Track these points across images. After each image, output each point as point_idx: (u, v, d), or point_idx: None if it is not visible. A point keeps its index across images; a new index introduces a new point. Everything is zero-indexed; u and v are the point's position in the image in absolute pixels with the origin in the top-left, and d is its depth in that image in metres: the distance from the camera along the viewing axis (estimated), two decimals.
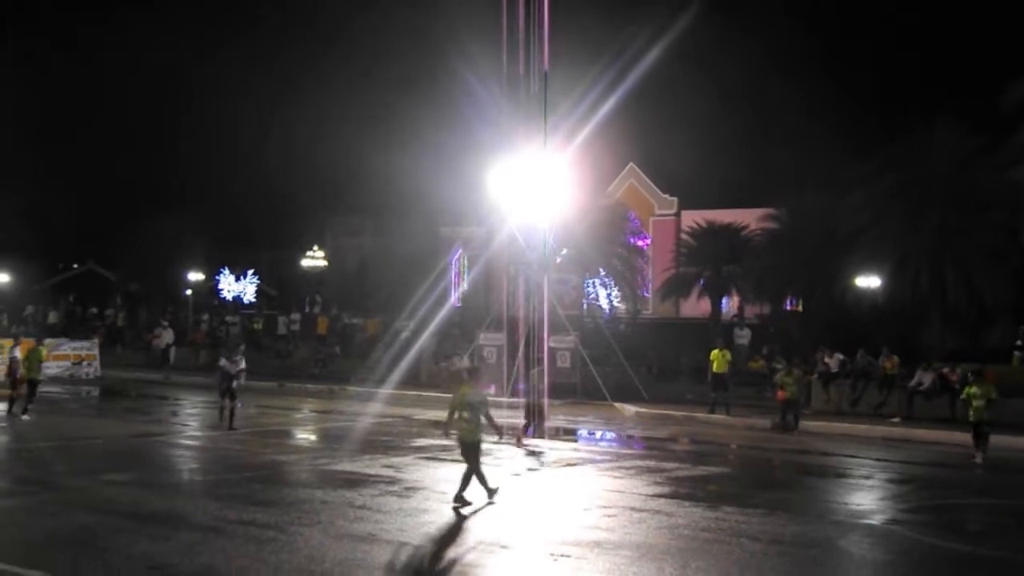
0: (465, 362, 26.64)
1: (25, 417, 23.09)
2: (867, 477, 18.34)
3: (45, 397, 29.76)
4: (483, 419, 14.17)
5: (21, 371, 23.58)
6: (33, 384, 23.83)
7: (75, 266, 65.82)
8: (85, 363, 36.50)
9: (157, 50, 79.20)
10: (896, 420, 26.32)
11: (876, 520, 14.09)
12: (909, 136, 32.90)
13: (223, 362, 22.32)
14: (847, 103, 55.31)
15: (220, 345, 42.19)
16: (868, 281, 32.66)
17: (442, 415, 25.26)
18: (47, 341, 36.84)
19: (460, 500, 13.75)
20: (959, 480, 18.51)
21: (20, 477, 15.62)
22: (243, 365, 22.21)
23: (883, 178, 32.61)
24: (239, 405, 22.05)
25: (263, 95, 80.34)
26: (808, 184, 37.83)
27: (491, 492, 14.02)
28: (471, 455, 14.05)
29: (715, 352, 27.61)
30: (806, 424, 25.31)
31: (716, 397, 27.11)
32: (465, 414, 14.02)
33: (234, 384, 21.79)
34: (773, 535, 12.49)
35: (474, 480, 13.92)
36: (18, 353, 24.38)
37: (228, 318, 46.54)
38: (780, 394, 24.74)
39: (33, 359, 23.97)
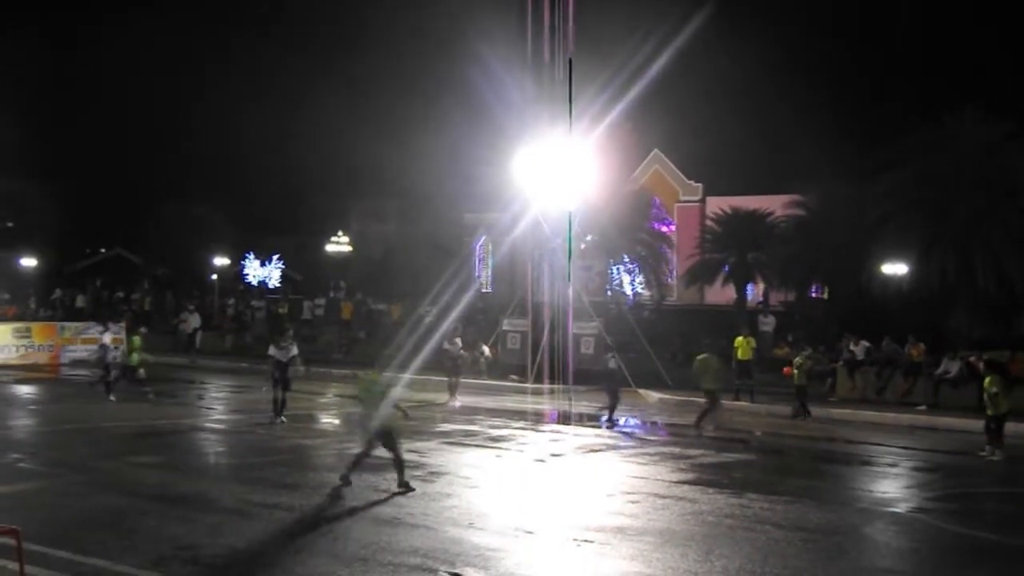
0: (458, 345, 26.64)
1: (152, 397, 23.89)
2: (892, 465, 18.24)
3: (72, 380, 30.10)
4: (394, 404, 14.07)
5: (114, 356, 24.29)
6: (129, 369, 24.36)
7: (102, 250, 66.33)
8: (112, 347, 36.71)
9: (184, 39, 79.54)
10: (922, 408, 26.15)
11: (901, 508, 14.03)
12: (936, 122, 32.62)
13: (272, 351, 21.03)
14: (873, 89, 54.90)
15: (246, 329, 42.42)
16: (894, 268, 32.42)
17: (468, 400, 25.52)
18: (68, 325, 37.29)
19: (404, 485, 13.64)
20: (985, 469, 18.38)
21: (49, 459, 15.77)
22: (295, 351, 21.12)
23: (910, 164, 32.35)
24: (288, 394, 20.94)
25: (290, 83, 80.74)
26: (834, 171, 37.57)
27: (405, 485, 13.70)
28: (389, 440, 13.95)
29: (740, 339, 27.52)
30: (831, 412, 25.22)
31: (740, 384, 27.03)
32: (366, 401, 14.14)
33: (288, 372, 20.71)
34: (798, 522, 12.46)
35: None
36: (108, 339, 25.07)
37: (254, 303, 46.73)
38: (787, 370, 24.98)
39: (131, 347, 24.74)
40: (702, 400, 22.08)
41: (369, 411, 14.02)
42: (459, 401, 25.35)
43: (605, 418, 22.28)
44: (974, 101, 32.14)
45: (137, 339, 25.23)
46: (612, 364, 23.24)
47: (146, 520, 11.56)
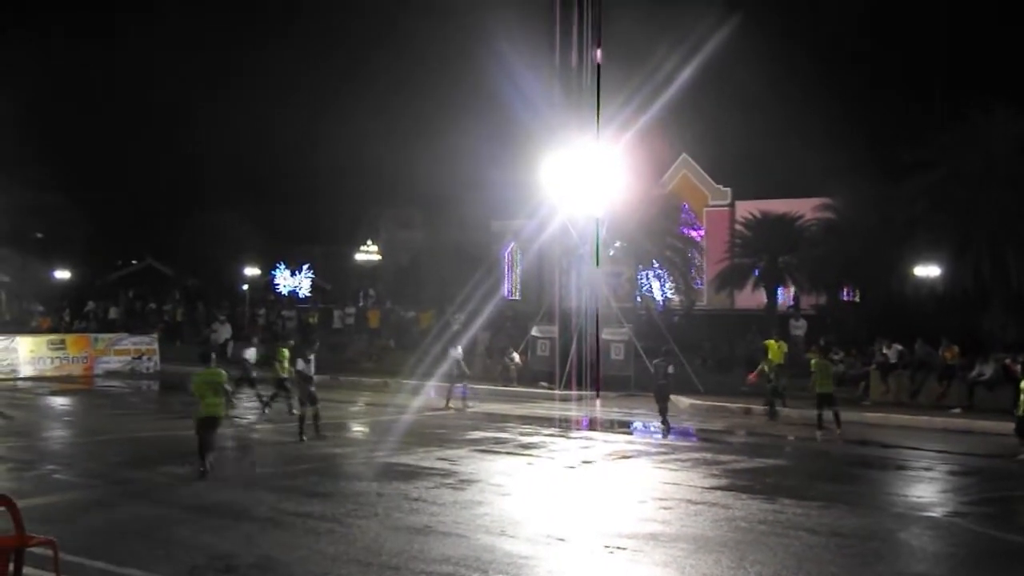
0: (459, 352, 26.62)
1: (267, 411, 23.80)
2: (928, 469, 18.05)
3: (106, 391, 30.39)
4: (224, 397, 15.72)
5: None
6: (281, 381, 23.93)
7: (134, 262, 66.96)
8: (145, 358, 37.12)
9: (211, 49, 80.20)
10: (957, 411, 25.88)
11: (937, 512, 13.88)
12: (966, 121, 32.33)
13: (301, 365, 20.32)
14: (902, 90, 54.51)
15: (279, 338, 42.57)
16: (926, 269, 32.12)
17: (497, 408, 25.53)
18: (102, 336, 37.65)
19: (202, 467, 15.28)
20: (1022, 472, 18.16)
21: (84, 470, 15.92)
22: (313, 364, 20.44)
23: (940, 164, 32.07)
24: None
25: (316, 93, 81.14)
26: (864, 173, 37.29)
27: (204, 467, 15.29)
28: (210, 429, 15.51)
29: (771, 342, 27.35)
30: (864, 416, 24.98)
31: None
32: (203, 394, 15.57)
33: (312, 388, 19.94)
34: (832, 528, 12.35)
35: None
36: (251, 354, 25.52)
37: (284, 312, 47.02)
38: (752, 377, 25.17)
39: (280, 358, 24.16)
40: (734, 406, 22.00)
41: (216, 403, 15.60)
42: (455, 407, 25.62)
43: (660, 423, 21.87)
44: (1004, 99, 31.84)
45: (286, 351, 24.38)
46: (672, 370, 22.65)
47: (180, 530, 11.63)
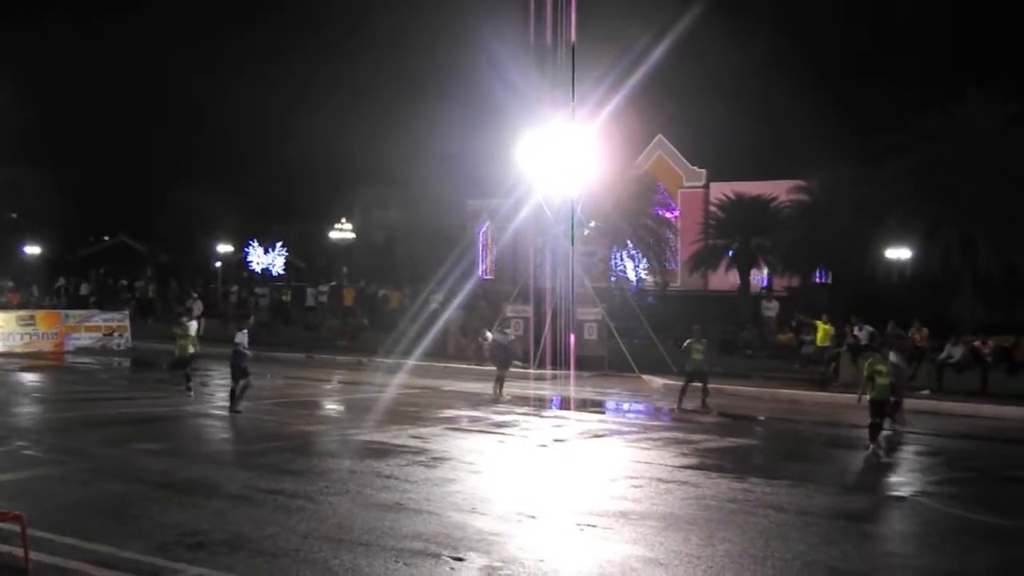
0: (509, 336, 26.15)
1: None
2: (895, 450, 18.23)
3: (77, 368, 30.18)
4: None
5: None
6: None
7: (106, 238, 66.46)
8: (116, 334, 36.86)
9: (188, 29, 79.40)
10: (926, 393, 26.13)
11: (905, 492, 14.04)
12: (941, 106, 32.57)
13: (240, 338, 20.61)
14: (877, 74, 54.74)
15: (245, 316, 42.33)
16: (898, 253, 32.40)
17: (472, 387, 25.58)
18: (73, 313, 37.34)
19: None
20: (988, 453, 18.39)
21: (53, 447, 15.81)
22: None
23: (915, 149, 32.31)
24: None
25: (293, 71, 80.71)
26: (838, 156, 37.55)
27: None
28: None
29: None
30: (835, 397, 25.17)
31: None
32: None
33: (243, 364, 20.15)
34: (800, 506, 12.47)
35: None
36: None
37: (257, 290, 46.83)
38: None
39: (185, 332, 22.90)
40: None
41: None
42: (507, 394, 24.03)
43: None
44: (979, 83, 32.10)
45: (195, 325, 23.68)
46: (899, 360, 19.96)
47: (151, 507, 11.59)
